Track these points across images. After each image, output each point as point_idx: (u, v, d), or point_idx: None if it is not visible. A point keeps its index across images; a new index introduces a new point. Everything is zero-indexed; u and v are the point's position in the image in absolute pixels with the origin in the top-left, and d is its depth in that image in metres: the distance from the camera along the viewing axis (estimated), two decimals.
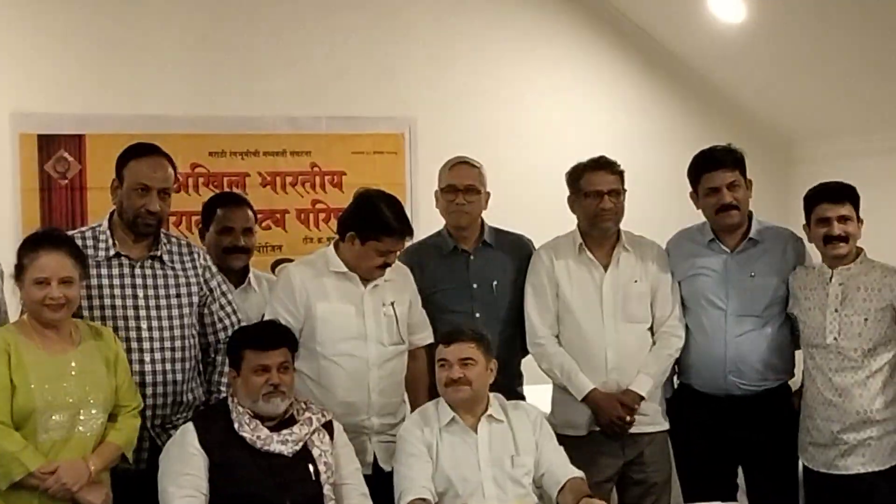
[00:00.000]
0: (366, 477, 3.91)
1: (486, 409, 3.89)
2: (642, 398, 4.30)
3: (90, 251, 3.82)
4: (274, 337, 3.76)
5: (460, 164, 4.52)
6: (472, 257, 4.50)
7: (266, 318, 4.06)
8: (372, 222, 3.99)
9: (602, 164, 4.39)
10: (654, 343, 4.38)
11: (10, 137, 5.33)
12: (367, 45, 5.91)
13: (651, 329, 4.39)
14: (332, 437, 3.75)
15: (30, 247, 3.56)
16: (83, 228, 4.01)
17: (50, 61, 5.43)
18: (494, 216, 4.65)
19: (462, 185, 4.46)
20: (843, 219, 4.09)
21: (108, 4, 5.54)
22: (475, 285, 4.45)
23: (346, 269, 4.10)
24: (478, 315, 4.37)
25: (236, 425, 3.62)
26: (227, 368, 3.88)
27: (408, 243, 4.20)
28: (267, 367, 3.66)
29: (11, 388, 3.42)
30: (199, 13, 5.66)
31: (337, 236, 4.18)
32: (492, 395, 3.94)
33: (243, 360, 3.69)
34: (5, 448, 3.38)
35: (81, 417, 3.50)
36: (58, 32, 5.45)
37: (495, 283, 4.47)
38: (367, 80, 5.90)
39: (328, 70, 5.83)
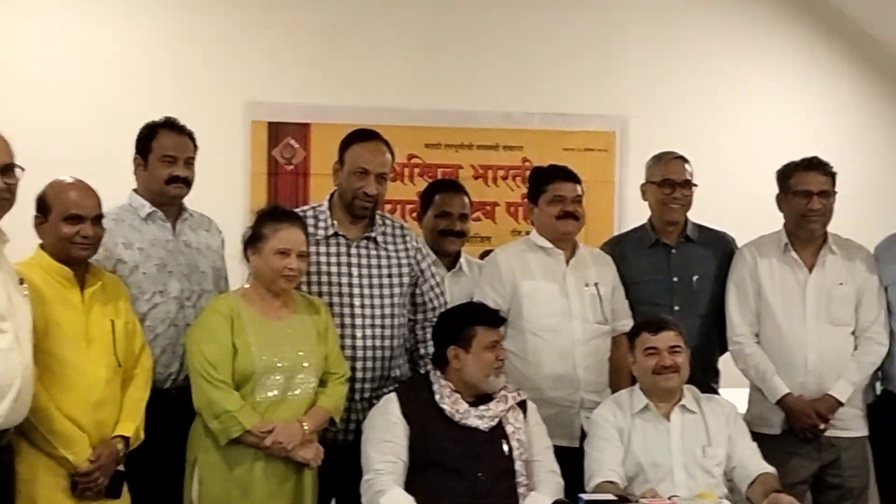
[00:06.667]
0: (571, 450, 4.05)
1: (680, 400, 3.92)
2: (840, 404, 4.24)
3: (311, 230, 3.98)
4: (499, 315, 3.93)
5: (676, 158, 4.54)
6: (673, 251, 4.51)
7: (475, 300, 4.20)
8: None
9: (814, 165, 4.35)
10: (856, 348, 4.30)
11: (243, 124, 5.70)
12: (583, 42, 6.01)
13: (854, 333, 4.31)
14: (525, 416, 3.85)
15: (273, 219, 3.77)
16: (305, 208, 4.19)
17: (280, 54, 5.76)
18: (700, 214, 4.63)
19: (680, 180, 4.49)
20: None
21: (335, 1, 5.84)
22: (675, 279, 4.45)
23: (549, 245, 4.25)
24: (676, 308, 4.37)
25: (437, 397, 3.76)
26: (430, 346, 4.03)
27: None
28: (497, 344, 3.81)
29: (234, 350, 3.65)
30: (420, 11, 5.90)
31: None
32: (686, 387, 3.96)
33: (475, 336, 3.79)
34: (225, 407, 3.59)
35: (295, 380, 3.70)
36: (288, 27, 5.79)
37: (695, 277, 4.47)
38: (582, 78, 6.00)
39: (543, 67, 5.96)
